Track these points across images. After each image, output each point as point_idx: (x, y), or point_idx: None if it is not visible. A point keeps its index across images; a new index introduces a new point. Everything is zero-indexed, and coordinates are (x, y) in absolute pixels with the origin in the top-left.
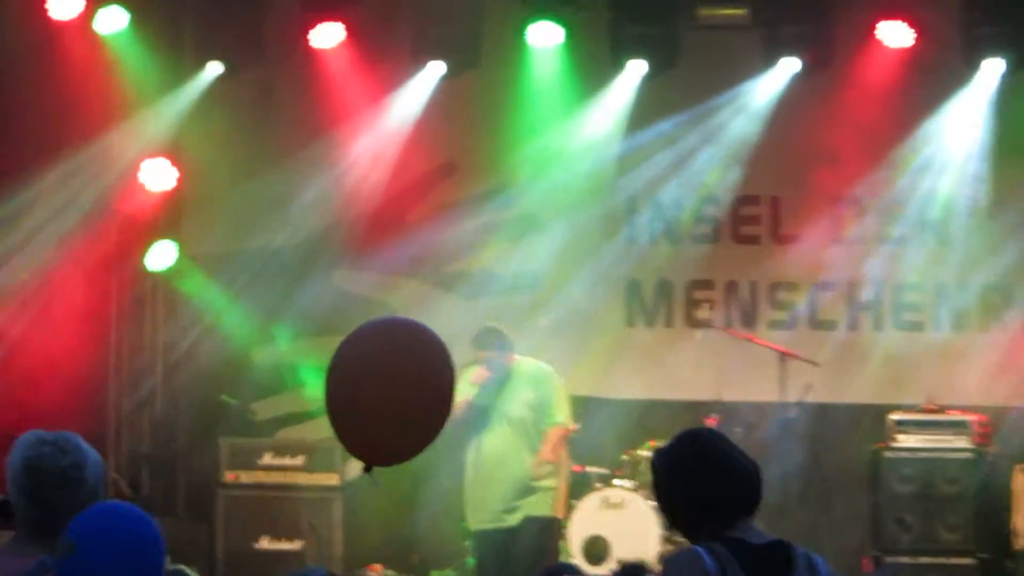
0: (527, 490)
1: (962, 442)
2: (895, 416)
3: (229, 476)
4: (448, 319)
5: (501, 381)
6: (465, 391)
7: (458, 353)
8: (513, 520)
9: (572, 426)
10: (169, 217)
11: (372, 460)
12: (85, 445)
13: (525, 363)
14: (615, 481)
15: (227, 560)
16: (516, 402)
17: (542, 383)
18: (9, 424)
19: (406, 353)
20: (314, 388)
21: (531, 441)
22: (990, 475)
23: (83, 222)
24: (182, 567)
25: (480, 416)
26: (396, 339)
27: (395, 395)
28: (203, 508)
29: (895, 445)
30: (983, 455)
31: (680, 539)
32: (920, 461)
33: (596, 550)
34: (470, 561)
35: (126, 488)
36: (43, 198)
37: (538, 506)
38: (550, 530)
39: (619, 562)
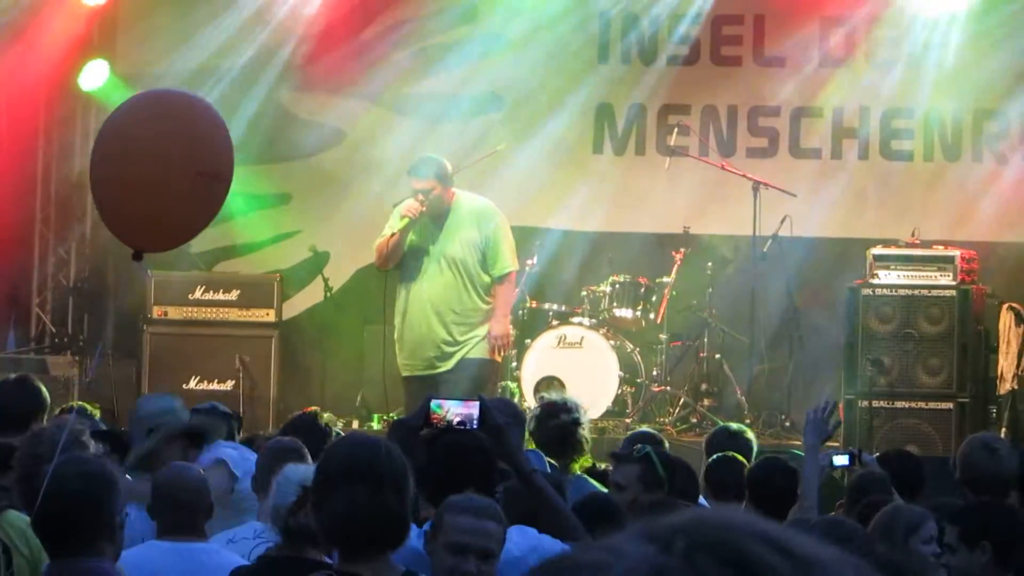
0: (464, 338)
1: (946, 279)
2: (875, 251)
3: (157, 312)
4: (404, 144)
5: (439, 217)
6: (394, 225)
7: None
8: (447, 366)
9: (515, 269)
10: (102, 34)
11: (139, 244)
12: None
13: (467, 199)
14: (573, 318)
15: None
16: (456, 242)
17: (486, 221)
18: None
19: (175, 127)
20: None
21: (473, 284)
22: (975, 314)
23: (9, 38)
24: (82, 404)
25: (415, 255)
26: (165, 112)
27: (161, 172)
28: (131, 346)
29: (874, 282)
30: (968, 293)
31: (640, 380)
32: (900, 299)
33: (549, 391)
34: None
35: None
36: None
37: (475, 349)
38: (487, 370)
39: (541, 398)
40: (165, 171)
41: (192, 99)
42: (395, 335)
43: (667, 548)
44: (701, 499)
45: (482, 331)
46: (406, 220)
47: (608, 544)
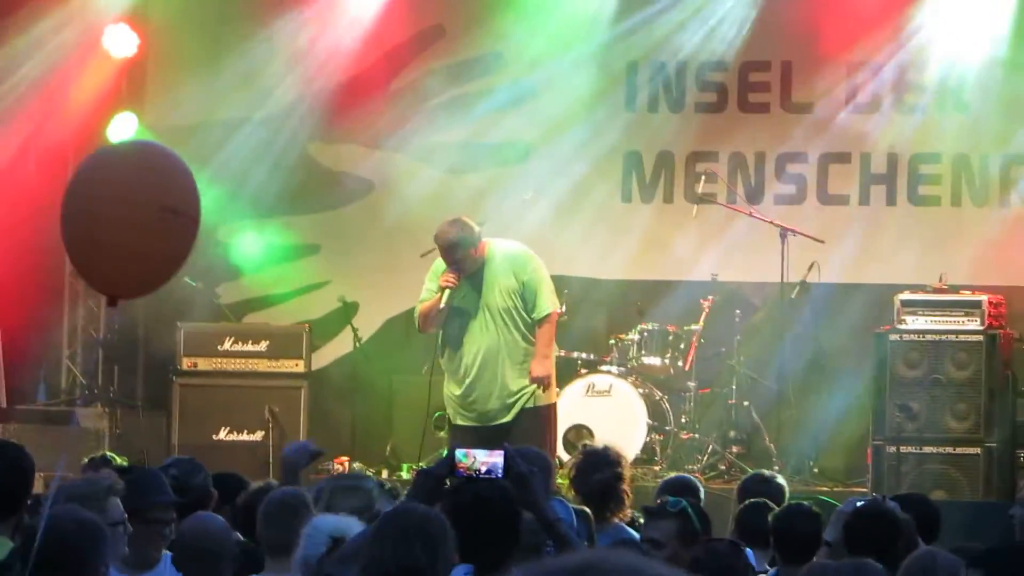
0: (520, 385)
1: (974, 324)
2: (903, 296)
3: (187, 363)
4: (431, 194)
5: (475, 274)
6: (433, 290)
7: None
8: (508, 417)
9: (558, 309)
10: (131, 87)
11: (112, 290)
12: None
13: (499, 248)
14: (602, 367)
15: (184, 453)
16: (496, 292)
17: (521, 268)
18: None
19: (136, 169)
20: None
21: (519, 328)
22: (1003, 359)
23: (39, 91)
24: (109, 453)
25: (459, 313)
26: (129, 159)
27: (125, 210)
28: (161, 397)
29: (902, 327)
30: (996, 338)
31: (668, 428)
32: (928, 344)
33: (578, 440)
34: (443, 453)
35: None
36: None
37: (532, 398)
38: (547, 418)
39: (584, 445)
40: (129, 209)
41: (153, 144)
42: (449, 390)
43: None
44: None
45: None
46: (447, 292)
47: None
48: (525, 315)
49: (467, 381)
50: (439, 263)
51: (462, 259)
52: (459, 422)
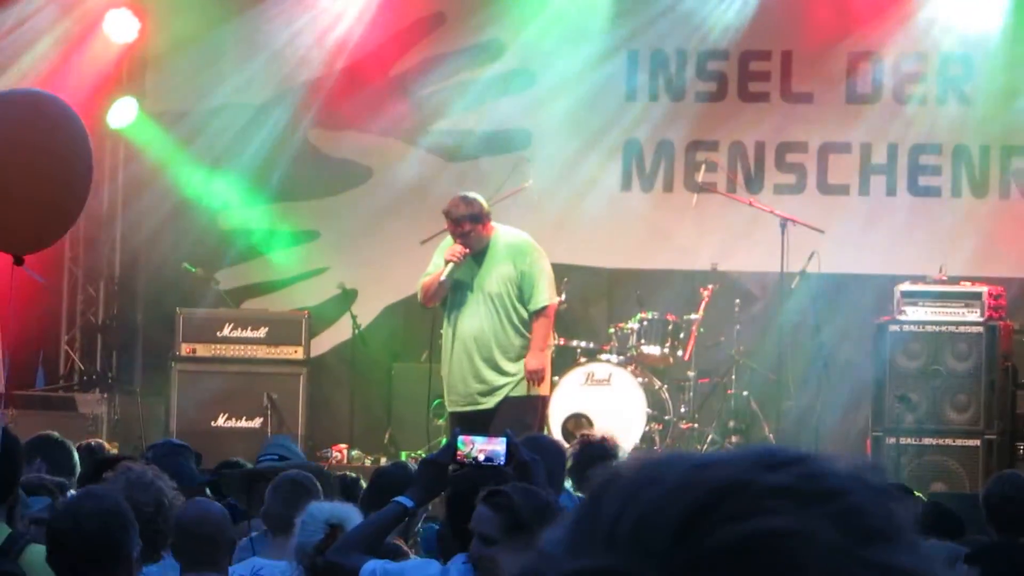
0: (505, 373)
1: (974, 315)
2: (903, 287)
3: (185, 349)
4: (431, 181)
5: (479, 253)
6: (439, 264)
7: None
8: (491, 403)
9: (556, 302)
10: (131, 72)
11: (11, 247)
12: None
13: (504, 233)
14: (601, 356)
15: (181, 439)
16: (494, 277)
17: (522, 256)
18: None
19: (31, 124)
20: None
21: (511, 317)
22: (1002, 351)
23: (39, 75)
24: (100, 440)
25: (457, 291)
26: (17, 110)
27: (24, 169)
28: (160, 383)
29: (902, 318)
30: (996, 329)
31: (667, 417)
32: (928, 335)
33: (577, 429)
34: (443, 442)
35: None
36: None
37: (519, 387)
38: (529, 406)
39: (583, 435)
40: (30, 169)
41: (39, 95)
42: (442, 371)
43: None
44: None
45: (522, 367)
46: (451, 266)
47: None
48: (519, 304)
49: (451, 361)
50: (448, 239)
51: (469, 233)
52: (450, 408)
